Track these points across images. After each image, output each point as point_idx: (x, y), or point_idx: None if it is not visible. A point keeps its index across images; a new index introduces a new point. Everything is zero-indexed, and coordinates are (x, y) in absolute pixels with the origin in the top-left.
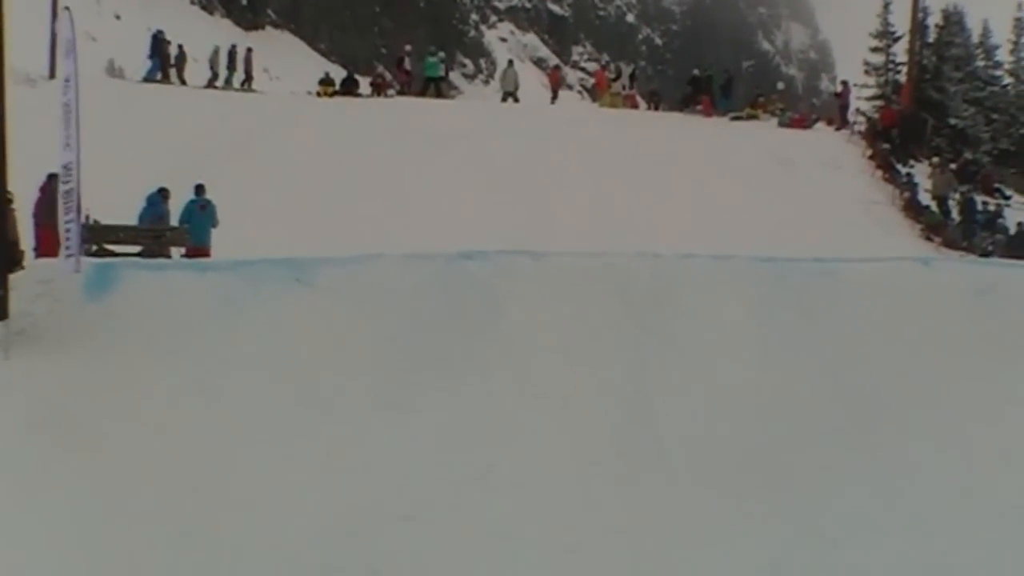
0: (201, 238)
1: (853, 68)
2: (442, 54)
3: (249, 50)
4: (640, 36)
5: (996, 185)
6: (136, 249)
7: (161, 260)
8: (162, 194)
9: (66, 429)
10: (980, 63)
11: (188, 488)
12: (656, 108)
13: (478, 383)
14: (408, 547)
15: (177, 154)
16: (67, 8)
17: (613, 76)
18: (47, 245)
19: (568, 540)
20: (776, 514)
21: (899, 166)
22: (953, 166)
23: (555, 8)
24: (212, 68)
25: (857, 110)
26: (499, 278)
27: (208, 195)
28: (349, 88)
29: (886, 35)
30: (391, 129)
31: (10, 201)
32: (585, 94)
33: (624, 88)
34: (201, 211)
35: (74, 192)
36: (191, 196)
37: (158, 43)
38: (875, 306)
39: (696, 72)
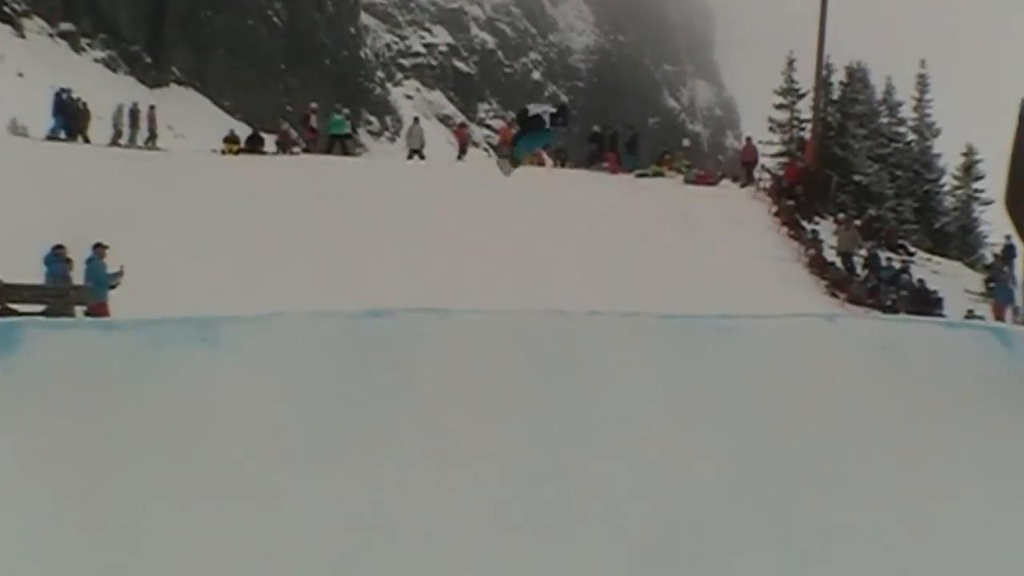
0: (94, 294)
1: (758, 125)
2: (348, 112)
3: (152, 108)
4: (546, 93)
5: (900, 242)
6: (40, 308)
7: (64, 319)
8: (55, 252)
9: None
10: (884, 120)
11: (91, 551)
12: (563, 165)
13: (385, 442)
14: None
15: (81, 212)
16: None
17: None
18: None
19: None
20: (687, 572)
21: (804, 223)
22: (858, 222)
23: (461, 66)
24: (115, 126)
25: (762, 167)
26: (405, 336)
27: (111, 253)
28: (254, 146)
29: (791, 92)
30: (296, 187)
31: None
32: (491, 151)
33: None
34: (87, 265)
35: None
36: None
37: (62, 101)
38: (780, 362)
39: (597, 129)
